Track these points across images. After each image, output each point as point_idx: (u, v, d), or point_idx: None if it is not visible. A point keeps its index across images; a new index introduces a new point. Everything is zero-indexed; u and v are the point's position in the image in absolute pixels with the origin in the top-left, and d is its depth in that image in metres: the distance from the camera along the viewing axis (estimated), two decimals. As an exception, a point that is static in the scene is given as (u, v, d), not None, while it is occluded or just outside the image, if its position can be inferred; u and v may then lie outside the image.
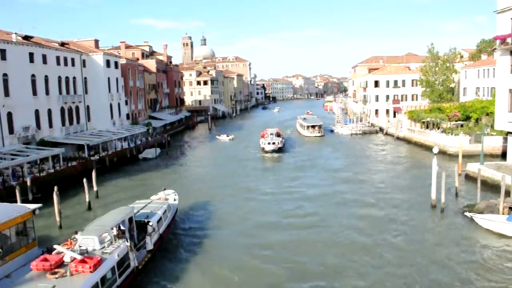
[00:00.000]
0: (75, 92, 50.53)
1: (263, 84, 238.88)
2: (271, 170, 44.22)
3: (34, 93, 42.76)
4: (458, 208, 27.02)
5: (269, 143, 52.76)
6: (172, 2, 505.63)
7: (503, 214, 23.89)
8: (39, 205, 19.97)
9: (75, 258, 16.04)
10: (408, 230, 24.20)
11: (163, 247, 22.33)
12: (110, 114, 56.50)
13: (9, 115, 38.86)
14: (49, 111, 45.13)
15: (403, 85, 79.57)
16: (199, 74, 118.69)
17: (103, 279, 15.76)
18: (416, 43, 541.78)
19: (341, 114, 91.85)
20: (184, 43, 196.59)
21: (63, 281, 14.96)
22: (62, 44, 50.86)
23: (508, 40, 32.94)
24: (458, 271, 18.82)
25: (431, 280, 18.13)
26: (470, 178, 33.70)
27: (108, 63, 56.29)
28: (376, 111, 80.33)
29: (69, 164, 40.07)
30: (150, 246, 20.31)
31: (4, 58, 38.45)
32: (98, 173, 36.28)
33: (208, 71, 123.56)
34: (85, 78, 52.92)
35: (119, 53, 69.39)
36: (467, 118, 51.98)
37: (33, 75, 42.60)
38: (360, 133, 70.41)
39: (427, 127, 54.37)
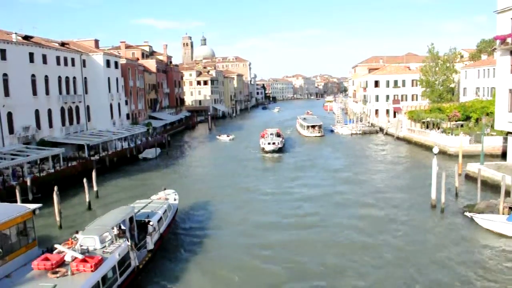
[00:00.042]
0: (75, 92, 50.53)
1: (263, 84, 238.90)
2: (271, 170, 44.22)
3: (34, 93, 42.76)
4: (458, 208, 27.02)
5: (269, 143, 52.75)
6: (172, 2, 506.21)
7: (503, 214, 23.89)
8: (39, 205, 19.96)
9: (76, 258, 16.09)
10: (408, 230, 24.20)
11: (163, 246, 22.36)
12: (110, 114, 56.50)
13: (9, 115, 38.86)
14: (49, 111, 45.14)
15: (403, 85, 79.58)
16: (199, 74, 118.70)
17: (104, 278, 15.80)
18: (416, 43, 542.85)
19: (341, 114, 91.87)
20: (184, 43, 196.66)
21: (64, 280, 14.99)
22: (62, 44, 50.87)
23: (508, 40, 32.94)
24: (458, 271, 18.83)
25: (431, 280, 18.14)
26: (470, 178, 33.70)
27: (108, 63, 56.30)
28: (376, 111, 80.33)
29: (69, 164, 40.07)
30: (150, 246, 20.35)
31: (4, 58, 38.45)
32: (98, 173, 36.29)
33: (208, 71, 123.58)
34: (85, 78, 52.92)
35: (119, 53, 69.38)
36: (467, 118, 51.98)
37: (33, 75, 42.61)
38: (360, 133, 70.41)
39: (427, 127, 54.38)
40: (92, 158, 43.59)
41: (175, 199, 27.15)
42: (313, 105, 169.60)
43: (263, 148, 53.18)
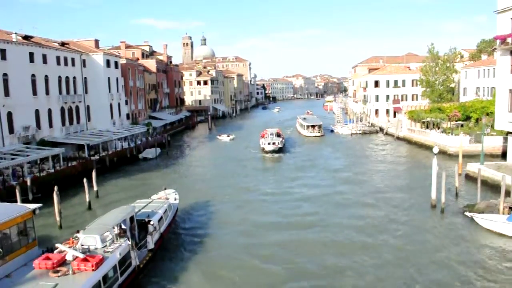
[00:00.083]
0: (75, 92, 50.53)
1: (263, 84, 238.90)
2: (271, 170, 44.23)
3: (34, 93, 42.76)
4: (458, 208, 27.01)
5: (269, 143, 52.74)
6: (172, 2, 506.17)
7: (503, 214, 23.89)
8: (39, 205, 19.98)
9: (77, 257, 16.15)
10: (408, 230, 24.20)
11: (164, 246, 22.41)
12: (110, 114, 56.50)
13: (9, 115, 38.86)
14: (49, 111, 45.14)
15: (403, 85, 79.58)
16: (199, 74, 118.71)
17: (105, 277, 15.85)
18: (416, 43, 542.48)
19: (341, 114, 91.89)
20: (184, 43, 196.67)
21: (65, 279, 15.04)
22: (62, 44, 50.86)
23: (508, 40, 32.94)
24: (458, 271, 18.83)
25: (431, 280, 18.14)
26: (470, 178, 33.71)
27: (108, 63, 56.30)
28: (376, 111, 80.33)
29: (69, 164, 40.07)
30: (151, 245, 20.40)
31: (4, 58, 38.45)
32: (98, 173, 36.30)
33: (208, 71, 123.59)
34: (85, 78, 52.92)
35: (119, 53, 69.38)
36: (467, 118, 51.99)
37: (33, 75, 42.61)
38: (360, 133, 70.41)
39: (427, 127, 54.38)
40: (92, 158, 43.59)
41: (175, 199, 27.20)
42: (313, 105, 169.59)
43: (263, 148, 53.17)
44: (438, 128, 52.01)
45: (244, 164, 47.15)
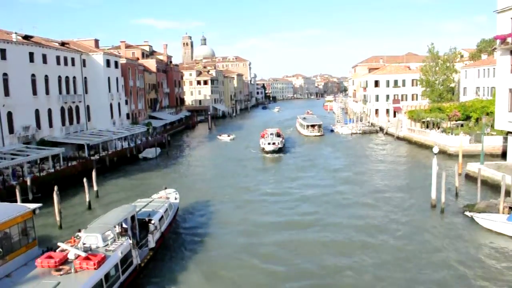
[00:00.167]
0: (75, 91, 50.52)
1: (263, 84, 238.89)
2: (271, 170, 44.24)
3: (34, 92, 42.75)
4: (458, 208, 27.01)
5: (269, 143, 52.70)
6: (172, 2, 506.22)
7: (503, 214, 23.89)
8: (39, 204, 20.00)
9: (79, 255, 16.25)
10: (408, 230, 24.20)
11: (164, 245, 22.51)
12: (110, 114, 56.50)
13: (9, 114, 38.85)
14: (49, 111, 45.13)
15: (403, 85, 79.58)
16: (199, 73, 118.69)
17: (107, 276, 15.94)
18: (416, 43, 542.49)
19: (341, 114, 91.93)
20: (184, 43, 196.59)
21: (67, 278, 15.11)
22: (62, 43, 50.85)
23: (508, 39, 32.94)
24: (458, 270, 18.83)
25: (431, 280, 18.14)
26: (470, 178, 33.70)
27: (108, 63, 56.29)
28: (376, 110, 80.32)
29: (69, 164, 40.08)
30: (152, 244, 20.50)
31: (4, 57, 38.44)
32: (98, 173, 36.31)
33: (208, 71, 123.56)
34: (85, 77, 52.91)
35: (119, 53, 69.36)
36: (467, 118, 51.99)
37: (33, 75, 42.60)
38: (360, 133, 70.41)
39: (427, 127, 54.38)
40: (92, 157, 43.59)
41: (176, 198, 27.27)
42: (313, 104, 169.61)
43: (263, 148, 53.13)
44: (438, 128, 52.01)
45: (244, 164, 47.15)
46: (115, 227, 18.55)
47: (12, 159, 34.14)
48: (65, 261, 16.22)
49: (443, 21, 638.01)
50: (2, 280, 15.70)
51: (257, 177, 40.29)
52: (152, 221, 21.46)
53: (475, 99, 56.55)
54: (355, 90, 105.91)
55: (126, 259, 17.60)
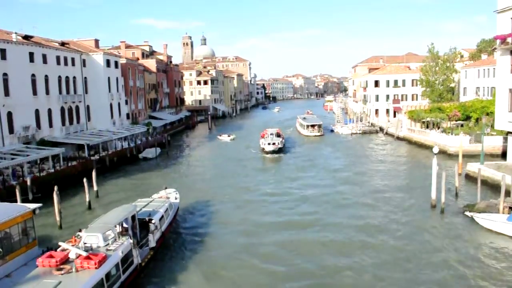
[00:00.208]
0: (75, 91, 50.52)
1: (263, 84, 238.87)
2: (271, 170, 44.24)
3: (34, 92, 42.75)
4: (458, 208, 27.01)
5: (269, 144, 52.67)
6: (172, 2, 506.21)
7: (503, 213, 23.89)
8: (39, 204, 19.99)
9: (80, 255, 16.29)
10: (408, 230, 24.19)
11: (165, 244, 22.55)
12: (110, 114, 56.49)
13: (9, 114, 38.85)
14: (49, 111, 45.12)
15: (403, 85, 79.58)
16: (199, 73, 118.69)
17: (108, 275, 15.98)
18: (416, 43, 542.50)
19: (341, 114, 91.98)
20: (184, 43, 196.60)
21: (68, 277, 15.14)
22: (62, 43, 50.85)
23: (508, 39, 32.94)
24: (458, 270, 18.83)
25: (431, 280, 18.14)
26: (470, 178, 33.71)
27: (108, 63, 56.29)
28: (376, 110, 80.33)
29: (69, 164, 40.07)
30: (152, 244, 20.55)
31: (4, 57, 38.43)
32: (98, 173, 36.31)
33: (208, 71, 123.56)
34: (85, 77, 52.90)
35: (119, 53, 69.37)
36: (467, 118, 51.99)
37: (33, 75, 42.60)
38: (360, 133, 70.42)
39: (427, 127, 54.39)
40: (92, 158, 43.59)
41: (176, 198, 27.30)
42: (313, 104, 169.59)
43: (263, 149, 53.10)
44: (438, 128, 52.02)
45: (244, 164, 47.15)
46: (115, 226, 18.61)
47: (12, 159, 34.15)
48: (66, 260, 16.27)
49: (443, 21, 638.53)
50: (2, 280, 15.70)
51: (257, 177, 40.29)
52: (153, 221, 21.51)
53: (475, 99, 56.54)
54: (355, 90, 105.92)
55: (126, 259, 17.65)
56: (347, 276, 18.76)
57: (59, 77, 47.12)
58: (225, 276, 19.35)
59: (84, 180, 30.64)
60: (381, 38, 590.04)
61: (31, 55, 42.43)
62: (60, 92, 47.27)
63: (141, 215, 21.85)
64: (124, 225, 19.64)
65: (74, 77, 50.48)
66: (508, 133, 35.39)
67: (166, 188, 28.75)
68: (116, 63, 59.16)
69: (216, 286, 18.63)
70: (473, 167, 33.96)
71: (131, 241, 18.51)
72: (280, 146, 53.09)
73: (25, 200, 27.74)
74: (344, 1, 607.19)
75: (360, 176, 38.94)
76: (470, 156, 40.25)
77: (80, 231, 18.95)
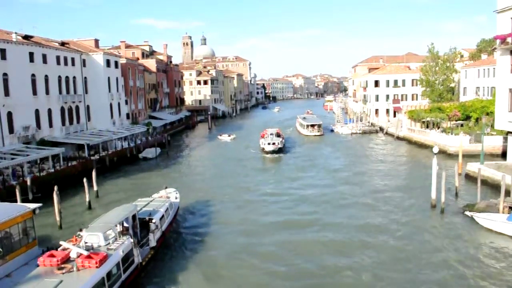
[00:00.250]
0: (75, 91, 50.52)
1: (263, 84, 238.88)
2: (271, 170, 44.25)
3: (34, 92, 42.75)
4: (458, 208, 27.01)
5: (269, 144, 52.66)
6: (172, 2, 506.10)
7: (503, 213, 23.89)
8: (39, 204, 20.01)
9: (81, 254, 16.33)
10: (408, 230, 24.20)
11: (165, 244, 22.58)
12: (110, 114, 56.50)
13: (9, 114, 38.85)
14: (49, 111, 45.12)
15: (403, 84, 79.59)
16: (199, 73, 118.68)
17: (109, 274, 16.03)
18: (416, 43, 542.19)
19: (341, 114, 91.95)
20: (184, 43, 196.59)
21: (69, 276, 15.19)
22: (62, 43, 50.85)
23: (508, 39, 32.94)
24: (458, 270, 18.84)
25: (431, 280, 18.14)
26: (470, 178, 33.71)
27: (108, 63, 56.30)
28: (376, 110, 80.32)
29: (69, 164, 40.08)
30: (153, 243, 20.60)
31: (4, 57, 38.43)
32: (98, 173, 36.31)
33: (208, 71, 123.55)
34: (85, 77, 52.91)
35: (119, 53, 69.36)
36: (467, 118, 52.00)
37: (33, 75, 42.60)
38: (360, 133, 70.41)
39: (427, 127, 54.39)
40: (92, 157, 43.58)
41: (176, 198, 27.35)
42: (313, 104, 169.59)
43: (263, 149, 53.09)
44: (438, 127, 52.03)
45: (244, 164, 47.15)
46: (116, 226, 18.66)
47: (12, 159, 34.15)
48: (67, 259, 16.33)
49: (443, 21, 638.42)
50: (2, 280, 15.72)
51: (257, 177, 40.29)
52: (153, 220, 21.57)
53: (475, 99, 56.54)
54: (355, 90, 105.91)
55: (127, 258, 17.72)
56: (347, 276, 18.77)
57: (59, 77, 47.12)
58: (225, 275, 19.36)
59: (84, 180, 30.64)
60: (381, 38, 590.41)
61: (31, 55, 42.43)
62: (60, 92, 47.27)
63: (142, 215, 21.91)
64: (125, 224, 19.69)
65: (74, 77, 50.49)
66: (508, 133, 35.39)
67: (166, 187, 28.80)
68: (116, 63, 59.16)
69: (216, 285, 18.65)
70: (473, 167, 33.96)
71: (132, 240, 18.56)
72: (280, 146, 53.09)
73: (25, 200, 27.74)
74: (344, 1, 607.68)
75: (360, 176, 38.94)
76: (470, 156, 40.24)
77: (81, 230, 19.00)
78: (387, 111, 78.74)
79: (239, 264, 20.45)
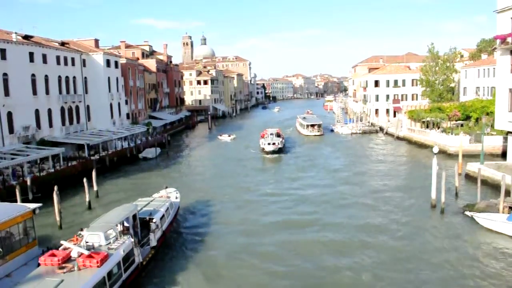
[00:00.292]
0: (75, 91, 50.51)
1: (263, 84, 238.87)
2: (271, 170, 44.25)
3: (34, 92, 42.75)
4: (458, 208, 27.01)
5: (269, 144, 52.64)
6: (172, 2, 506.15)
7: (503, 213, 23.89)
8: (39, 204, 20.03)
9: (82, 254, 16.35)
10: (408, 230, 24.20)
11: (166, 243, 22.61)
12: (110, 114, 56.50)
13: (9, 114, 38.85)
14: (49, 111, 45.12)
15: (403, 84, 79.60)
16: (199, 73, 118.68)
17: (110, 273, 16.07)
18: (416, 43, 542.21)
19: (341, 114, 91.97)
20: (184, 43, 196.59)
21: (70, 275, 15.21)
22: (62, 43, 50.85)
23: (508, 39, 32.94)
24: (458, 270, 18.84)
25: (431, 280, 18.15)
26: (470, 178, 33.71)
27: (108, 63, 56.29)
28: (376, 110, 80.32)
29: (69, 164, 40.08)
30: (153, 243, 20.65)
31: (4, 57, 38.43)
32: (98, 173, 36.31)
33: (208, 71, 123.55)
34: (85, 77, 52.90)
35: (119, 53, 69.35)
36: (467, 118, 52.01)
37: (33, 75, 42.59)
38: (360, 133, 70.42)
39: (427, 127, 54.40)
40: (92, 157, 43.59)
41: (176, 198, 27.39)
42: (313, 104, 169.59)
43: (263, 149, 53.07)
44: (438, 127, 52.03)
45: (244, 164, 47.16)
46: (117, 225, 18.68)
47: (12, 159, 34.15)
48: (68, 259, 16.35)
49: (443, 21, 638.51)
50: (2, 280, 15.73)
51: (257, 177, 40.29)
52: (154, 220, 21.61)
53: (475, 99, 56.55)
54: (355, 90, 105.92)
55: (128, 258, 17.76)
56: (347, 276, 18.77)
57: (59, 77, 47.12)
58: (225, 275, 19.37)
59: (84, 180, 30.64)
60: (381, 38, 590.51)
61: (31, 55, 42.43)
62: (60, 92, 47.27)
63: (142, 214, 21.94)
64: (125, 224, 19.73)
65: (74, 77, 50.49)
66: (508, 133, 35.39)
67: (166, 187, 28.83)
68: (116, 63, 59.16)
69: (216, 285, 18.66)
70: (473, 167, 33.97)
71: (132, 240, 18.60)
72: (280, 146, 53.07)
73: (25, 200, 27.74)
74: (344, 1, 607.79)
75: (360, 176, 38.94)
76: (470, 156, 40.24)
77: (81, 230, 19.02)
78: (387, 111, 78.75)
79: (239, 264, 20.46)
